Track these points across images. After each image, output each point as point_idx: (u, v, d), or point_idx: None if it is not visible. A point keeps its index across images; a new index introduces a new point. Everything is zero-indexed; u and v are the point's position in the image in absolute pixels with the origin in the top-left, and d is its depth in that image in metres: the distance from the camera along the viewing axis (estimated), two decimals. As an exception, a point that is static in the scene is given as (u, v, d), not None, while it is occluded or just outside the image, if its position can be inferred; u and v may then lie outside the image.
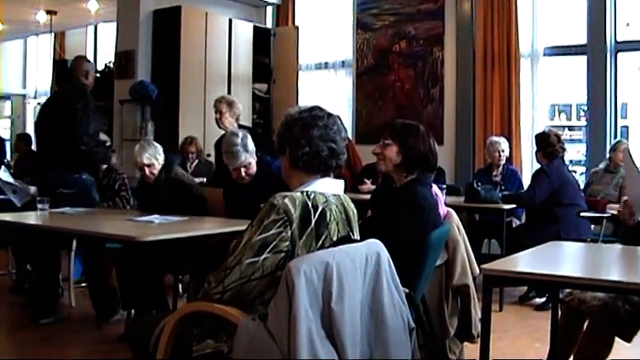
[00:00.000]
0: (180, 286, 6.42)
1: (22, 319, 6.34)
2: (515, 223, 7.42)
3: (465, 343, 4.25)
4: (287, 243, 2.56)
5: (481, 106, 9.15)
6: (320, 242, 2.62)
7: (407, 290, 2.88)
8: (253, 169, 5.21)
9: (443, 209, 4.17)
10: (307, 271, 2.37)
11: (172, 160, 5.93)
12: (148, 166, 5.70)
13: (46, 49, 15.55)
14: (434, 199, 3.85)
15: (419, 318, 3.22)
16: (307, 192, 2.67)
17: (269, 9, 11.50)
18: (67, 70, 7.43)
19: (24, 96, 16.62)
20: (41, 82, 15.92)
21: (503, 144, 7.69)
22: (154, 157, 5.70)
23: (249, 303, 2.62)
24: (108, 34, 13.40)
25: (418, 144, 3.80)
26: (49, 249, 6.49)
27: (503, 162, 7.69)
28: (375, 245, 2.67)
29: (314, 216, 2.61)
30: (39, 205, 5.51)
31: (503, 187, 7.27)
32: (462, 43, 9.40)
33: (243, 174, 5.19)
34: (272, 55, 11.09)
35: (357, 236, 2.81)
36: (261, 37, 10.85)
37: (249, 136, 5.18)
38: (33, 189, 7.65)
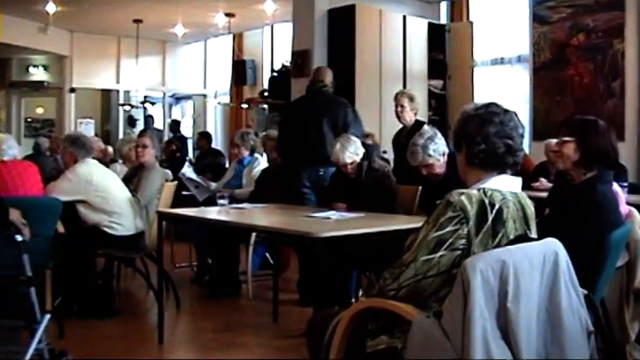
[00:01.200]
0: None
1: (202, 308, 6.60)
2: None
3: (647, 349, 4.10)
4: (463, 241, 2.54)
5: (666, 100, 8.76)
6: (496, 240, 2.58)
7: (585, 292, 2.80)
8: (436, 169, 5.17)
9: (624, 208, 4.02)
10: (483, 269, 2.35)
11: (371, 151, 5.94)
12: (351, 164, 5.75)
13: (225, 50, 16.01)
14: (615, 198, 3.72)
15: (598, 321, 3.12)
16: (484, 189, 2.64)
17: (443, 5, 11.43)
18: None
19: (204, 96, 17.17)
20: (220, 83, 16.42)
21: (690, 140, 7.33)
22: (355, 154, 5.74)
23: (423, 300, 2.62)
24: (284, 34, 13.66)
25: (597, 140, 3.68)
26: (229, 243, 6.73)
27: (689, 159, 7.33)
28: (553, 244, 2.61)
29: (491, 213, 2.58)
30: (219, 201, 5.69)
31: (690, 185, 6.94)
32: (644, 35, 9.03)
33: (425, 172, 5.19)
34: (447, 52, 11.00)
35: (534, 235, 2.76)
36: (436, 34, 10.78)
37: (435, 139, 5.14)
38: (214, 185, 7.95)
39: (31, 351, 3.61)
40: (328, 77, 6.87)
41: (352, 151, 5.71)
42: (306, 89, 6.95)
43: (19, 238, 3.57)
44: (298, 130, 6.63)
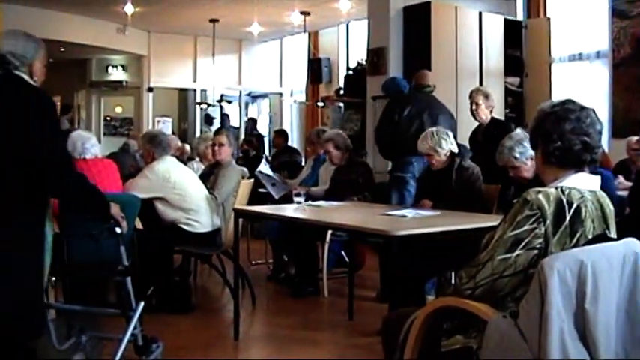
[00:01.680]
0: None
1: (278, 305, 6.65)
2: None
3: None
4: (540, 240, 2.52)
5: None
6: (574, 240, 2.54)
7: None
8: (523, 173, 5.11)
9: None
10: (561, 269, 2.32)
11: (463, 150, 5.92)
12: (428, 155, 5.88)
13: (301, 48, 16.07)
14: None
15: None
16: (562, 188, 2.60)
17: (519, 1, 11.28)
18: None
19: (280, 94, 17.28)
20: (296, 81, 16.49)
21: None
22: (438, 145, 5.78)
23: (500, 300, 2.60)
24: (359, 31, 13.65)
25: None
26: (304, 240, 6.77)
27: None
28: (633, 244, 2.56)
29: (568, 212, 2.54)
30: (295, 199, 5.71)
31: None
32: None
33: (512, 174, 5.14)
34: (524, 48, 10.87)
35: (613, 235, 2.71)
36: (512, 30, 10.65)
37: (524, 142, 5.08)
38: (290, 182, 7.98)
39: (127, 336, 3.78)
40: (431, 81, 7.42)
41: (431, 144, 5.77)
42: (408, 89, 7.55)
43: (118, 230, 3.77)
44: (412, 123, 7.01)
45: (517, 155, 5.04)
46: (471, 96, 6.96)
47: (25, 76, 3.34)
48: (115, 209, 3.73)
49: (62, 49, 14.74)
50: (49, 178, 3.27)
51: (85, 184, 3.58)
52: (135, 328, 3.89)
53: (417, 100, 7.26)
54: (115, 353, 3.72)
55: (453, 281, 2.73)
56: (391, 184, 7.26)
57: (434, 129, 5.97)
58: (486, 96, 6.89)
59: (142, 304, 3.95)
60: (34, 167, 3.20)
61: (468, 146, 7.07)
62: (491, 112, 6.92)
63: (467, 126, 7.48)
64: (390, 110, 7.32)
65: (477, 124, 7.06)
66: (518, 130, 5.44)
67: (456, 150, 5.87)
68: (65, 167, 3.36)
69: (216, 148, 6.71)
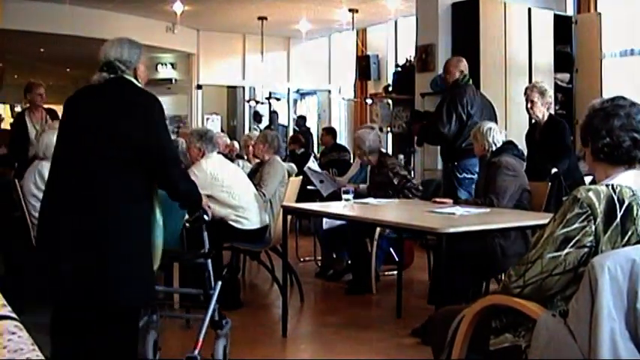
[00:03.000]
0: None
1: (326, 302, 6.67)
2: None
3: None
4: (590, 238, 2.49)
5: None
6: (626, 238, 2.50)
7: None
8: None
9: None
10: (612, 268, 2.28)
11: (507, 147, 5.84)
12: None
13: (349, 45, 16.07)
14: None
15: None
16: (613, 185, 2.57)
17: (569, -5, 11.15)
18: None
19: (329, 91, 17.30)
20: (345, 78, 16.48)
21: None
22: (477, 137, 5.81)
23: (549, 298, 2.58)
24: (408, 28, 13.61)
25: None
26: (353, 238, 6.77)
27: None
28: (687, 243, 2.53)
29: (620, 210, 2.51)
30: (344, 196, 5.72)
31: None
32: None
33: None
34: (573, 44, 10.72)
35: (666, 233, 2.67)
36: (562, 25, 10.50)
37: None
38: (339, 180, 7.99)
39: (210, 311, 4.09)
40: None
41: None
42: (454, 82, 7.19)
43: (206, 217, 4.09)
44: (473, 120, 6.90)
45: None
46: (525, 93, 6.62)
47: (133, 79, 3.61)
48: (204, 200, 4.05)
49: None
50: (164, 171, 3.59)
51: (188, 176, 3.93)
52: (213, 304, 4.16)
53: (475, 94, 7.12)
54: (200, 328, 4.01)
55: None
56: (456, 183, 7.10)
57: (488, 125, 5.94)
58: (542, 93, 6.51)
59: (220, 283, 4.20)
60: (152, 162, 3.50)
61: (516, 143, 6.99)
62: (548, 109, 6.56)
63: (516, 124, 7.41)
64: (455, 108, 7.21)
65: (529, 121, 6.95)
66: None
67: (493, 147, 5.78)
68: (177, 161, 3.74)
69: (249, 148, 6.84)
